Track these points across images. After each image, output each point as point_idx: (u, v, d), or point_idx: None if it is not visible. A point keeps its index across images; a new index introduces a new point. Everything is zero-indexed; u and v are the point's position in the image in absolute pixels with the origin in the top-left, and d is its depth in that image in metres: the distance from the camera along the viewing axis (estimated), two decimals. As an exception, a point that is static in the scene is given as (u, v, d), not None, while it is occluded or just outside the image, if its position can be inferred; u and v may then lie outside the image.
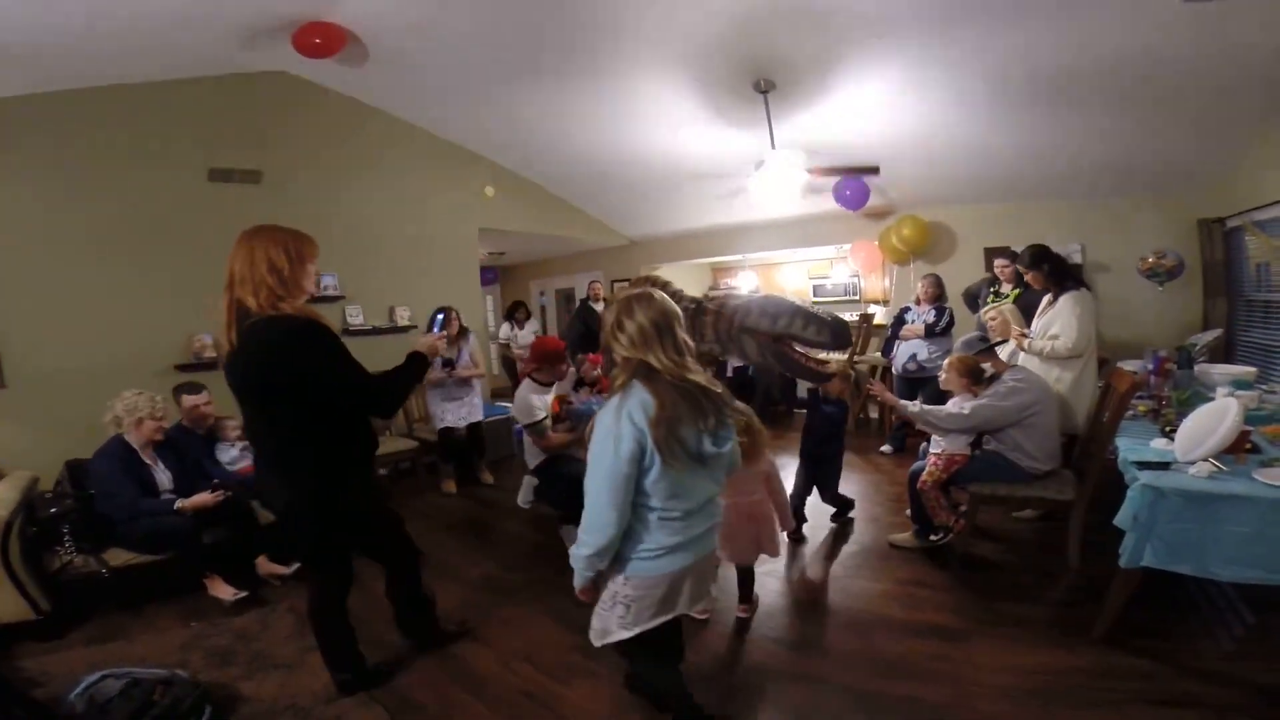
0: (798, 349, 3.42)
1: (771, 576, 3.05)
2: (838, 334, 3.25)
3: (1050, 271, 3.35)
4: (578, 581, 1.54)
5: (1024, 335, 3.36)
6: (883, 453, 5.09)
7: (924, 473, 3.08)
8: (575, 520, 3.58)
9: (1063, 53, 3.49)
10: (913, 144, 4.82)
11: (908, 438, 5.02)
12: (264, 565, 3.24)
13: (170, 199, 4.22)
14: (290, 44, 3.84)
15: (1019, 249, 4.87)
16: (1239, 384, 3.19)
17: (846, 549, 3.36)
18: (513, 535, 3.85)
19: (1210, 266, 4.70)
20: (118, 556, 3.00)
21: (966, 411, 2.91)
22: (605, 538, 1.44)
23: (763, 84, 4.21)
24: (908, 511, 3.29)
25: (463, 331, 4.80)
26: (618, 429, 1.41)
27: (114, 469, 3.05)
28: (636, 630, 1.53)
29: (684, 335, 1.53)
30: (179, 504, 3.06)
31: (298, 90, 4.74)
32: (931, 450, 3.13)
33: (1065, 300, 3.23)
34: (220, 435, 3.70)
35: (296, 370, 1.86)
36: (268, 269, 1.86)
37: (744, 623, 2.66)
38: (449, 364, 4.47)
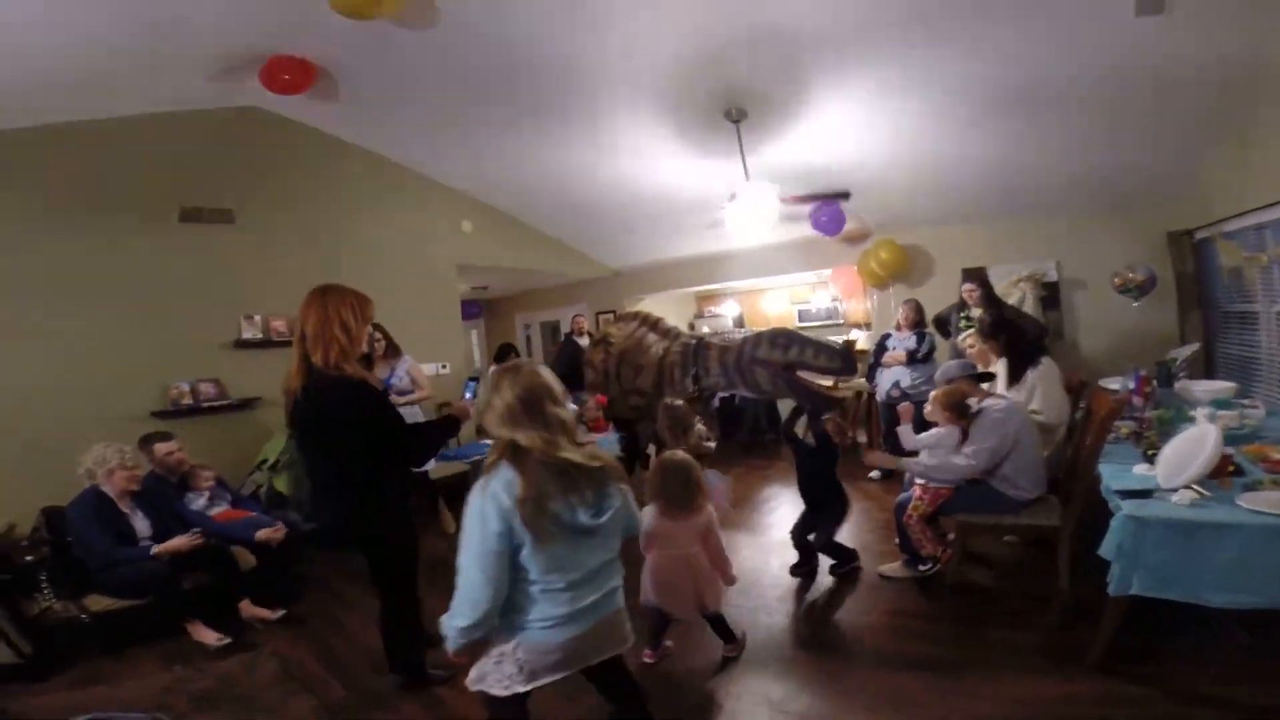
0: (808, 377, 3.55)
1: (762, 611, 3.01)
2: (848, 359, 3.62)
3: (1008, 343, 3.39)
4: (450, 646, 1.51)
5: None
6: (871, 479, 5.06)
7: (910, 505, 3.05)
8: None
9: (1024, 68, 3.57)
10: (884, 166, 4.90)
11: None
12: (247, 609, 3.23)
13: (140, 240, 4.16)
14: (258, 80, 3.85)
15: (993, 268, 4.98)
16: (1219, 402, 3.21)
17: (833, 580, 3.31)
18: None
19: (1183, 279, 4.76)
20: (98, 602, 3.03)
21: (974, 462, 2.82)
22: (479, 613, 1.43)
23: (734, 113, 4.26)
24: (896, 541, 3.25)
25: (392, 349, 4.45)
26: (484, 508, 1.43)
27: (89, 518, 3.07)
28: (527, 689, 1.51)
29: (557, 410, 1.53)
30: (155, 549, 3.08)
31: (270, 127, 4.73)
32: (917, 480, 3.10)
33: (1033, 376, 3.24)
34: (192, 484, 3.64)
35: (350, 422, 2.20)
36: (339, 328, 2.16)
37: (732, 661, 2.60)
38: None
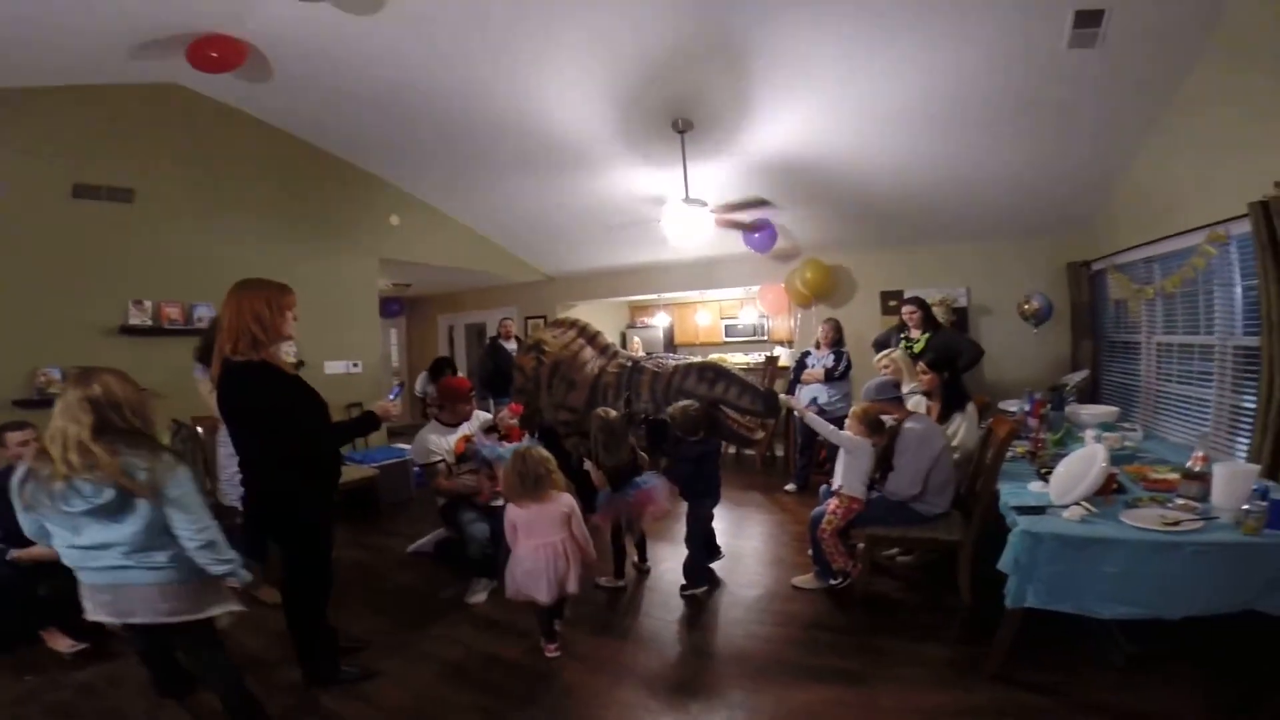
0: (730, 414, 3.66)
1: (680, 624, 3.00)
2: (770, 403, 3.63)
3: (948, 381, 3.48)
4: None
5: None
6: (787, 491, 5.16)
7: (823, 520, 3.10)
8: (470, 571, 3.35)
9: (954, 83, 3.68)
10: (815, 186, 5.03)
11: (811, 477, 5.11)
12: None
13: (23, 215, 3.77)
14: (185, 57, 3.62)
15: (914, 293, 5.19)
16: (1103, 426, 3.45)
17: (749, 592, 3.32)
18: (404, 587, 3.58)
19: (1078, 308, 5.09)
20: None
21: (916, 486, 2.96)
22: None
23: (681, 124, 4.28)
24: (810, 553, 3.30)
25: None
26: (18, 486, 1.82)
27: None
28: (100, 622, 1.91)
29: (67, 423, 1.76)
30: (13, 555, 2.77)
31: (188, 105, 4.41)
32: (833, 488, 3.15)
33: (959, 418, 3.39)
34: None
35: (248, 406, 2.25)
36: (252, 319, 2.21)
37: (617, 663, 2.64)
38: None
